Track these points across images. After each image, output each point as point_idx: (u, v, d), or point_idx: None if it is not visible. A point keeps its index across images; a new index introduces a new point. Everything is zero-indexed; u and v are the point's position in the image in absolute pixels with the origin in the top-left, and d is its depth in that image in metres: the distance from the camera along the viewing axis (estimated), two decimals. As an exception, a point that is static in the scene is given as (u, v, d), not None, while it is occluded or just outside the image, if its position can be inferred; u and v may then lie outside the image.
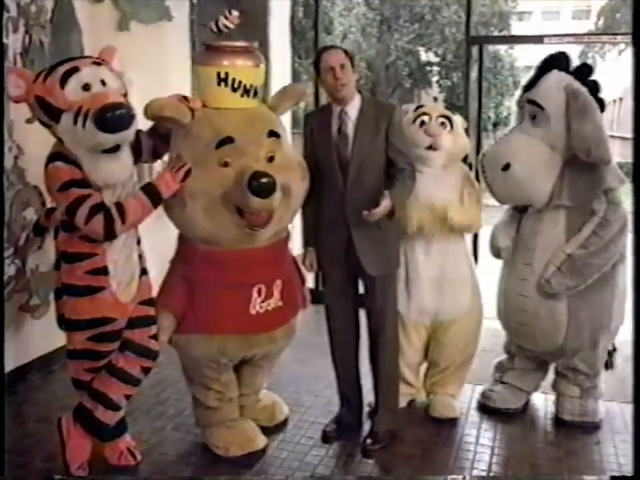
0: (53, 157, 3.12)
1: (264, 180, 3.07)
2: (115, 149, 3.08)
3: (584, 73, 3.65)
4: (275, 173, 3.14)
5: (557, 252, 3.68)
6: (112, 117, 2.97)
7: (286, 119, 7.30)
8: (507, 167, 3.63)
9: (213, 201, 3.19)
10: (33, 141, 4.17)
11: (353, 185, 3.43)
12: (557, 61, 3.67)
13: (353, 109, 3.46)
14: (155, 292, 3.51)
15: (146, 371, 3.41)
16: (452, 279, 3.91)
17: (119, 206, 3.10)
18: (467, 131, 4.10)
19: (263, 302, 3.43)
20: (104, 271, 3.20)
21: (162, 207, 3.28)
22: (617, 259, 3.70)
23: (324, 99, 6.55)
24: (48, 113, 3.07)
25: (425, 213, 3.77)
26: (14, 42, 4.19)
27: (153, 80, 5.15)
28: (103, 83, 3.12)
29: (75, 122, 3.01)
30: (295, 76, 14.55)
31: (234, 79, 3.25)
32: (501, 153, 3.72)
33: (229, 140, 3.18)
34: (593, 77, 3.65)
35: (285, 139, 3.42)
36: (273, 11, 6.93)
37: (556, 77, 3.63)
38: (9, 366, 4.22)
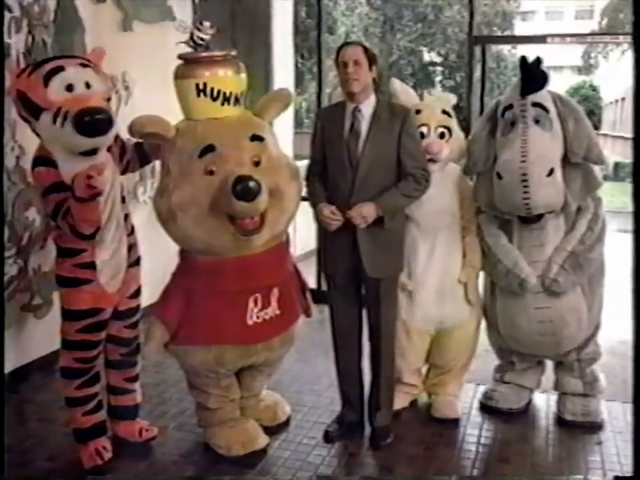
0: (36, 161, 3.17)
1: (248, 183, 3.06)
2: (92, 152, 3.11)
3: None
4: (262, 176, 3.13)
5: (559, 250, 3.68)
6: (91, 121, 3.00)
7: (288, 120, 7.31)
8: (551, 172, 3.50)
9: (203, 210, 3.18)
10: (35, 141, 4.17)
11: (361, 184, 3.42)
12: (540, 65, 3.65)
13: (367, 107, 3.45)
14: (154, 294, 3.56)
15: (125, 355, 3.64)
16: (455, 284, 3.89)
17: (66, 210, 3.05)
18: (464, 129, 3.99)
19: (260, 311, 3.43)
20: (91, 265, 3.28)
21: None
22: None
23: (326, 99, 6.56)
24: (28, 108, 3.11)
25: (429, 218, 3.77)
26: (17, 42, 4.20)
27: (155, 80, 5.16)
28: (88, 85, 3.14)
29: (54, 122, 3.04)
30: (298, 76, 14.58)
31: (212, 88, 3.26)
32: (546, 158, 3.53)
33: (211, 148, 3.18)
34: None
35: (271, 142, 3.39)
36: (275, 10, 6.94)
37: None
38: (11, 366, 4.25)
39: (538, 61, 3.61)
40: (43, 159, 3.13)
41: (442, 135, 3.79)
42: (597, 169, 3.67)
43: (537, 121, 3.59)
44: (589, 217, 3.69)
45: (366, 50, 3.42)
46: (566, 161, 3.57)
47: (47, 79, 3.06)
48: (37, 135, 3.21)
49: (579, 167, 3.59)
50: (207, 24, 3.34)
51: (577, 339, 3.82)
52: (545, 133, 3.57)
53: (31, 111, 3.11)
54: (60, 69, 3.09)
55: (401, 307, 3.81)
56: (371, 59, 3.42)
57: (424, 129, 3.76)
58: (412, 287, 3.84)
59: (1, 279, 3.89)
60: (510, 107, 3.67)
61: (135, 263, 3.54)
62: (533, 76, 3.61)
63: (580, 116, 3.59)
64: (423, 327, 3.91)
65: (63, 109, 3.02)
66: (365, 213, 3.36)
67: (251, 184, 3.06)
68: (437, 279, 3.86)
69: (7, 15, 4.10)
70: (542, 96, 3.60)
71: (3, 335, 3.55)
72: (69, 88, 3.08)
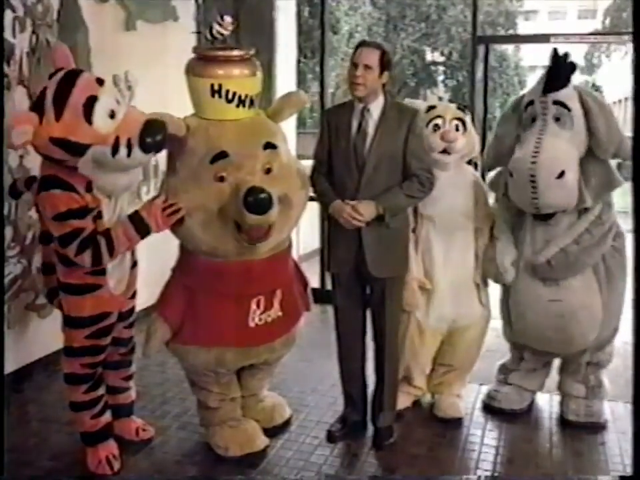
0: (48, 183, 3.04)
1: (260, 196, 3.01)
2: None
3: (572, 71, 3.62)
4: (272, 185, 3.10)
5: (550, 245, 3.69)
6: (154, 140, 2.98)
7: (291, 119, 7.31)
8: (562, 174, 3.46)
9: (211, 215, 3.15)
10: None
11: (367, 184, 3.41)
12: (569, 62, 3.59)
13: (375, 108, 3.43)
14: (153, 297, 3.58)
15: (123, 355, 3.65)
16: (469, 284, 3.92)
17: (108, 238, 3.06)
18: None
19: (262, 314, 3.41)
20: (102, 272, 3.24)
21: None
22: (620, 247, 3.74)
23: (329, 99, 6.56)
24: (69, 150, 2.94)
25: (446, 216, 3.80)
26: (21, 41, 4.20)
27: (158, 79, 5.16)
28: (117, 101, 3.07)
29: (114, 154, 2.95)
30: (301, 76, 14.56)
31: (228, 90, 3.17)
32: (557, 160, 3.50)
33: (223, 155, 3.13)
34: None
35: (283, 149, 3.35)
36: (278, 10, 6.92)
37: None
38: (14, 365, 4.25)
39: (565, 56, 3.57)
40: (59, 182, 3.00)
41: (457, 128, 3.82)
42: (615, 170, 3.64)
43: (557, 119, 3.57)
44: (590, 219, 3.66)
45: (383, 54, 3.36)
46: (588, 157, 3.55)
47: (88, 115, 2.92)
48: (47, 158, 3.06)
49: (601, 164, 3.57)
50: (227, 19, 3.22)
51: (589, 338, 3.78)
52: (564, 132, 3.55)
53: (74, 151, 2.94)
54: (93, 99, 2.94)
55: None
56: (385, 65, 3.37)
57: (439, 121, 3.80)
58: (429, 285, 3.85)
59: (1, 279, 3.90)
60: (531, 102, 3.66)
61: (133, 264, 3.53)
62: (557, 73, 3.58)
63: (609, 112, 3.54)
64: (436, 326, 3.92)
65: (122, 139, 2.93)
66: (362, 210, 3.35)
67: (263, 196, 3.02)
68: (452, 279, 3.88)
69: (11, 15, 4.10)
70: (564, 94, 3.55)
71: (3, 335, 3.55)
72: (112, 115, 2.98)
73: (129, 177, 3.16)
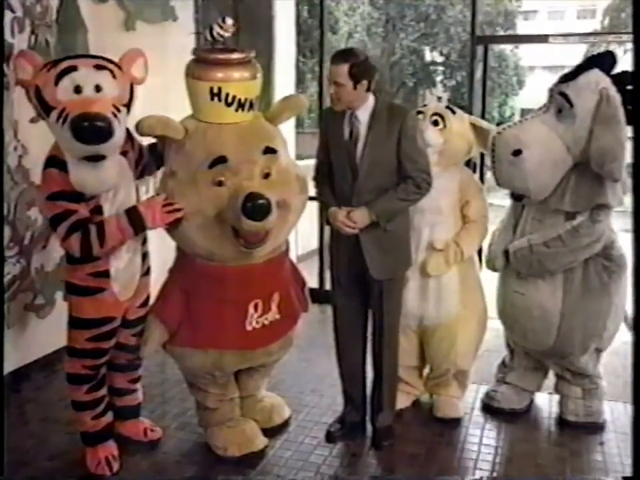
0: (48, 162, 3.06)
1: (259, 202, 2.98)
2: (97, 158, 2.94)
3: (624, 79, 3.47)
4: (271, 190, 3.08)
5: (523, 238, 3.73)
6: (88, 127, 2.86)
7: (290, 120, 7.32)
8: (517, 152, 3.50)
9: (208, 220, 3.12)
10: (37, 141, 4.17)
11: (362, 187, 3.40)
12: (602, 61, 3.53)
13: (364, 112, 3.39)
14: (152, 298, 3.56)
15: (131, 360, 3.59)
16: (438, 285, 3.87)
17: (100, 228, 3.03)
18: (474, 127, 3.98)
19: (259, 317, 3.39)
20: (105, 274, 3.21)
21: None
22: (614, 270, 3.68)
23: (328, 99, 6.56)
24: (41, 105, 3.01)
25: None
26: (20, 42, 4.19)
27: (157, 80, 5.15)
28: (98, 88, 3.02)
29: (57, 122, 2.94)
30: (300, 76, 14.57)
31: (227, 94, 3.13)
32: (517, 137, 3.55)
33: (222, 159, 3.09)
34: (630, 86, 3.45)
35: (282, 153, 3.31)
36: (277, 10, 6.93)
37: (595, 77, 3.46)
38: (13, 365, 4.25)
39: (596, 56, 3.56)
40: (58, 160, 3.01)
41: (435, 123, 3.83)
42: (616, 188, 3.54)
43: (559, 110, 3.53)
44: (567, 227, 3.60)
45: (352, 66, 3.22)
46: (584, 164, 3.49)
47: (59, 77, 2.96)
48: None
49: (591, 176, 3.47)
50: (229, 21, 3.16)
51: (544, 340, 3.79)
52: (558, 124, 3.52)
53: (44, 108, 3.00)
54: (72, 68, 2.99)
55: None
56: (359, 75, 3.24)
57: (420, 117, 3.82)
58: None
59: (1, 279, 3.89)
60: (552, 89, 3.64)
61: (146, 272, 3.48)
62: (577, 67, 3.55)
63: (613, 126, 3.37)
64: (403, 322, 3.84)
65: (65, 111, 2.91)
66: (355, 218, 3.36)
67: (262, 202, 2.99)
68: (419, 276, 3.86)
69: (10, 15, 4.10)
70: (574, 88, 3.47)
71: (3, 335, 3.54)
72: (77, 89, 2.97)
73: (94, 177, 3.00)
